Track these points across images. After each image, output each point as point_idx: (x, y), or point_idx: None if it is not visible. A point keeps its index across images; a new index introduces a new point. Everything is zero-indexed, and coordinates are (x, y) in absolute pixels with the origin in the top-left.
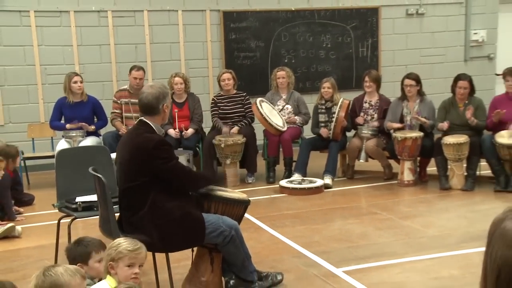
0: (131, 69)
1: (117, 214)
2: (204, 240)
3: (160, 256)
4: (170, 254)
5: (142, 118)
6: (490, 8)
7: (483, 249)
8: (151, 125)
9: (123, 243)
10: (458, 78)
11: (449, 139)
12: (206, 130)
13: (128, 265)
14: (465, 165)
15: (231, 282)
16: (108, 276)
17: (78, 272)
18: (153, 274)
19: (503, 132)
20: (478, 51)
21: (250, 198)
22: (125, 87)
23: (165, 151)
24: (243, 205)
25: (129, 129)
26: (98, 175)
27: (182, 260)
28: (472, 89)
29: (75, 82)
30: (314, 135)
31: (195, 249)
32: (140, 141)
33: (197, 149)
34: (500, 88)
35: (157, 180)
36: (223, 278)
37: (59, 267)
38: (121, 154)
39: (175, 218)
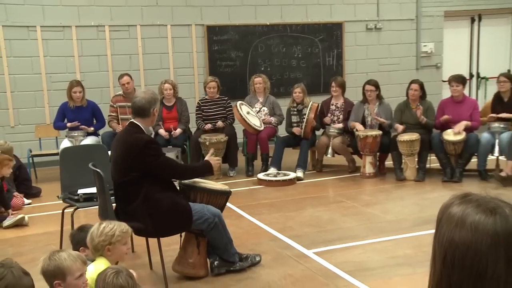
0: (119, 78)
1: (113, 205)
2: (191, 226)
3: (152, 241)
4: (161, 239)
5: (132, 120)
6: (436, 24)
7: (433, 231)
8: (141, 126)
9: (115, 228)
10: (411, 82)
11: (403, 137)
12: (193, 130)
13: (123, 243)
14: (417, 159)
15: (215, 263)
16: (100, 257)
17: (79, 258)
18: (147, 257)
19: (449, 131)
20: (427, 61)
21: (231, 189)
22: (120, 92)
23: (154, 149)
24: (225, 195)
25: (121, 130)
26: (97, 170)
27: (172, 244)
28: (423, 93)
29: (75, 92)
30: (287, 134)
31: (183, 234)
32: (131, 140)
33: (185, 146)
34: (446, 93)
35: (148, 175)
36: (208, 260)
37: (63, 252)
38: (115, 152)
39: (165, 207)
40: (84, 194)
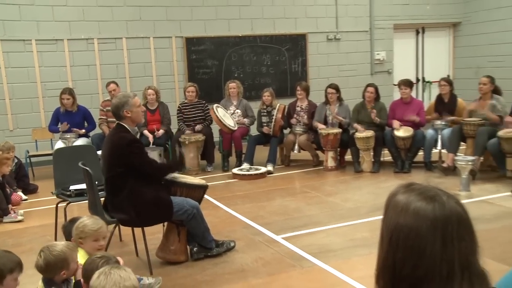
0: (107, 85)
1: (103, 199)
2: (172, 217)
3: (138, 230)
4: (145, 228)
5: (118, 122)
6: (387, 35)
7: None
8: (126, 126)
9: (87, 224)
10: (367, 85)
11: (359, 134)
12: (174, 130)
13: (94, 240)
14: (372, 153)
15: (195, 249)
16: (79, 248)
17: (72, 245)
18: (133, 245)
19: (399, 128)
20: (380, 67)
21: (208, 183)
22: (109, 98)
23: (136, 148)
24: (202, 189)
25: (110, 130)
26: (86, 168)
27: (156, 233)
28: (377, 95)
29: (63, 99)
30: (258, 133)
31: (165, 224)
32: (116, 139)
33: (167, 145)
34: (397, 95)
35: (132, 170)
36: (188, 246)
37: (59, 244)
38: (103, 150)
39: (148, 200)
40: (75, 190)
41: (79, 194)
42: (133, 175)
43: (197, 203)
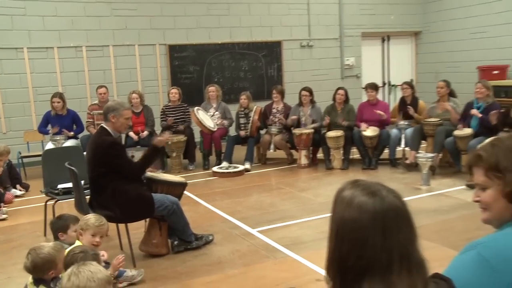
0: (97, 88)
1: (88, 197)
2: (154, 213)
3: (122, 226)
4: (129, 224)
5: (102, 124)
6: (356, 43)
7: None
8: (109, 130)
9: (92, 218)
10: (338, 88)
11: (330, 134)
12: (158, 131)
13: (92, 234)
14: (342, 151)
15: (175, 242)
16: (77, 241)
17: (59, 246)
18: (117, 239)
19: (366, 128)
20: (349, 72)
21: (189, 181)
22: (96, 102)
23: (116, 150)
24: (182, 186)
25: (94, 133)
26: (72, 168)
27: (139, 228)
28: (347, 98)
29: (54, 102)
30: (237, 134)
31: (147, 219)
32: (98, 141)
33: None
34: (365, 98)
35: (114, 170)
36: (169, 240)
37: (47, 246)
38: (87, 151)
39: (131, 197)
40: (63, 188)
41: (67, 192)
42: (115, 175)
43: (177, 199)
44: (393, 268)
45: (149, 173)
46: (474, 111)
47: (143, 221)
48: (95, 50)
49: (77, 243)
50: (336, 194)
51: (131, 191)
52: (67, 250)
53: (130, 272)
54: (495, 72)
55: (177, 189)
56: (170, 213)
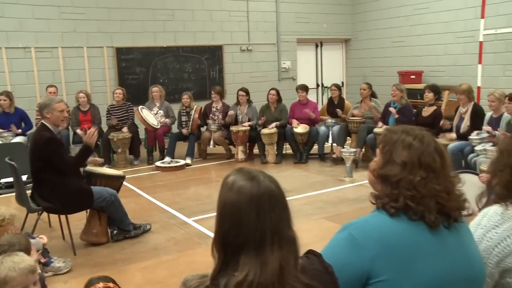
0: (47, 88)
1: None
2: (93, 204)
3: (64, 217)
4: (70, 215)
5: (42, 121)
6: (292, 47)
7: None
8: (48, 125)
9: None
10: (271, 89)
11: (265, 131)
12: (105, 129)
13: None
14: (275, 147)
15: (115, 232)
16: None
17: None
18: (60, 230)
19: (300, 127)
20: (286, 74)
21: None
22: None
23: (51, 145)
24: (120, 179)
25: (34, 129)
26: (11, 162)
27: (81, 219)
28: (279, 98)
29: (0, 100)
30: (179, 131)
31: (88, 210)
32: (37, 137)
33: (98, 143)
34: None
35: (53, 164)
36: (108, 229)
37: None
38: (29, 146)
39: (71, 190)
40: (6, 182)
41: (10, 186)
42: (55, 168)
43: (115, 192)
44: (265, 243)
45: (88, 167)
46: (392, 109)
47: (84, 212)
48: (44, 51)
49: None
50: (223, 180)
51: (71, 184)
52: None
53: (57, 264)
54: (412, 76)
55: (115, 182)
56: (108, 204)
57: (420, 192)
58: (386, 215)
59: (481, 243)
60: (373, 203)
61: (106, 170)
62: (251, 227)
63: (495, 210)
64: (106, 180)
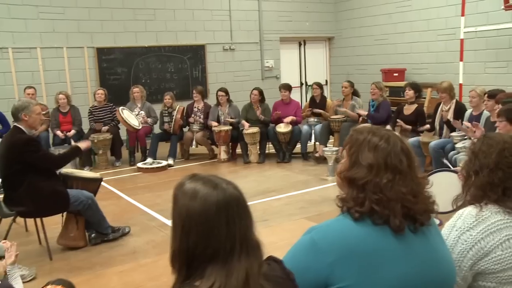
0: (25, 89)
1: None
2: (68, 207)
3: (40, 221)
4: (48, 219)
5: (15, 124)
6: (275, 46)
7: (263, 200)
8: (22, 128)
9: None
10: (253, 89)
11: (247, 130)
12: (86, 130)
13: None
14: (258, 146)
15: (93, 235)
16: None
17: None
18: (36, 235)
19: (281, 124)
20: (269, 73)
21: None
22: None
23: (33, 146)
24: (97, 182)
25: (8, 132)
26: None
27: (58, 223)
28: (262, 97)
29: None
30: (161, 131)
31: (65, 214)
32: (13, 140)
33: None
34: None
35: (30, 167)
36: (86, 233)
37: None
38: (1, 149)
39: (45, 193)
40: None
41: None
42: (31, 171)
43: (92, 195)
44: (234, 253)
45: (64, 170)
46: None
47: (61, 215)
48: (22, 52)
49: None
50: (176, 189)
51: (46, 187)
52: None
53: (20, 272)
54: (395, 74)
55: (92, 184)
56: (85, 207)
57: (386, 195)
58: (350, 219)
59: (455, 245)
60: (339, 206)
61: (83, 172)
62: (221, 237)
63: (469, 211)
64: (83, 183)
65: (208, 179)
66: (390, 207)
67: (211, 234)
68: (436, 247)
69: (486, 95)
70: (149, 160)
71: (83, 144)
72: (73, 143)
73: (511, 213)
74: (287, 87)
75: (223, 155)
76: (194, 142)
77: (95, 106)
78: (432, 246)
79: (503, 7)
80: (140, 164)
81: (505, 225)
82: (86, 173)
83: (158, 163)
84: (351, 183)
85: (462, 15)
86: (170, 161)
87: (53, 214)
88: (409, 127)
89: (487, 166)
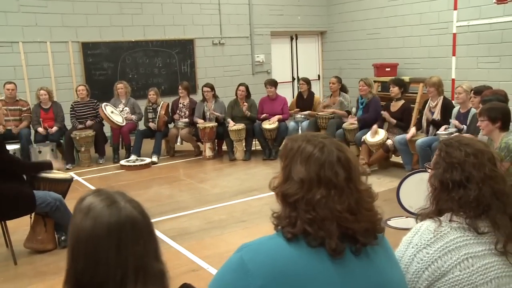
0: (4, 84)
1: None
2: (34, 209)
3: (10, 223)
4: (15, 220)
5: None
6: (265, 41)
7: (245, 199)
8: None
9: None
10: (239, 85)
11: (233, 127)
12: (69, 127)
13: None
14: (244, 143)
15: (62, 237)
16: None
17: None
18: (2, 237)
19: (267, 121)
20: (260, 68)
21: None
22: (2, 98)
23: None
24: (67, 182)
25: None
26: None
27: (25, 226)
28: (248, 93)
29: None
30: (145, 127)
31: (32, 216)
32: None
33: (61, 141)
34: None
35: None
36: (56, 235)
37: None
38: None
39: (9, 195)
40: None
41: None
42: None
43: (60, 196)
44: (127, 283)
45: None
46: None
47: (28, 217)
48: (3, 46)
49: None
50: (77, 202)
51: (10, 188)
52: None
53: None
54: (388, 69)
55: (61, 185)
56: (53, 209)
57: (319, 214)
58: (284, 239)
59: (411, 264)
60: (274, 224)
61: (52, 173)
62: (110, 265)
63: (427, 226)
64: (51, 184)
65: (109, 195)
66: (325, 227)
67: (99, 261)
68: (382, 270)
69: (472, 91)
70: (132, 157)
71: (56, 165)
72: (49, 157)
73: (471, 230)
74: (273, 83)
75: (208, 152)
76: (179, 139)
77: (78, 102)
78: (377, 270)
79: (495, 1)
80: (123, 162)
81: (464, 243)
82: (55, 173)
83: (142, 160)
84: (283, 200)
85: (455, 8)
86: (154, 158)
87: (18, 216)
88: (394, 121)
89: (475, 180)
